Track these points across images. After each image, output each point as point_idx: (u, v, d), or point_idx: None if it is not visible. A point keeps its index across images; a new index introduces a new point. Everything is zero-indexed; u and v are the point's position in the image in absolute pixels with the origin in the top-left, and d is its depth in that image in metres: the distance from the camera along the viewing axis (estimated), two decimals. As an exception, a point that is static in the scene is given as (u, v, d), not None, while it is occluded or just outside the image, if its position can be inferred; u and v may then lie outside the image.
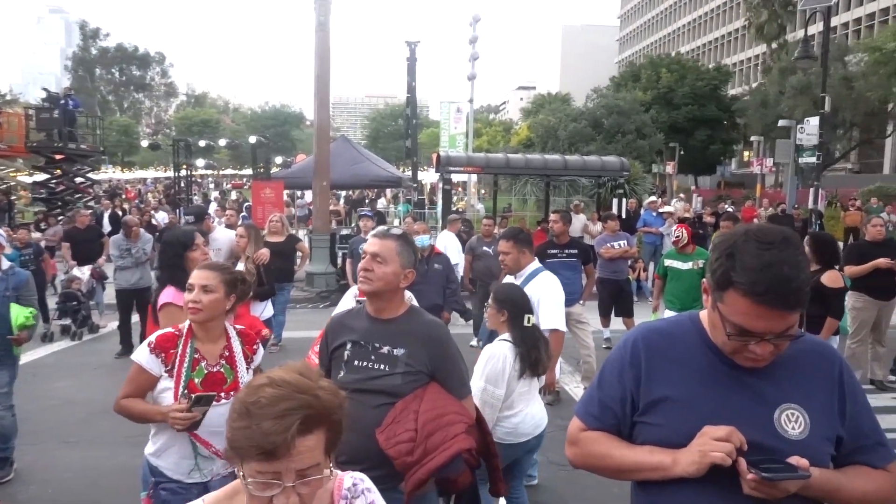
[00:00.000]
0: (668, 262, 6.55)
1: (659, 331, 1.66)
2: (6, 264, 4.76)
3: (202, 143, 19.03)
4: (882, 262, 6.39)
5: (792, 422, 1.48)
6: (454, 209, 18.64)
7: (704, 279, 1.55)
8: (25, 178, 23.78)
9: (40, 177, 22.29)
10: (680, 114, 42.74)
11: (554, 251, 6.52)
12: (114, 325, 8.63)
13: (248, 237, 5.80)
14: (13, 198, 21.58)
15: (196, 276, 2.66)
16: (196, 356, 2.62)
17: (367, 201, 25.38)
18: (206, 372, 2.61)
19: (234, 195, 28.32)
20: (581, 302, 6.63)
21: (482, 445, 2.55)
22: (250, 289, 2.99)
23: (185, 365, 2.58)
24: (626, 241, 8.25)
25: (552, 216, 7.12)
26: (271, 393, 1.20)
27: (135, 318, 8.08)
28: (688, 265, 6.37)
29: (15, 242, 8.66)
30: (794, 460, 1.41)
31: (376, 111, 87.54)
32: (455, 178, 22.46)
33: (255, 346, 2.75)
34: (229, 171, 53.00)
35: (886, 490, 1.54)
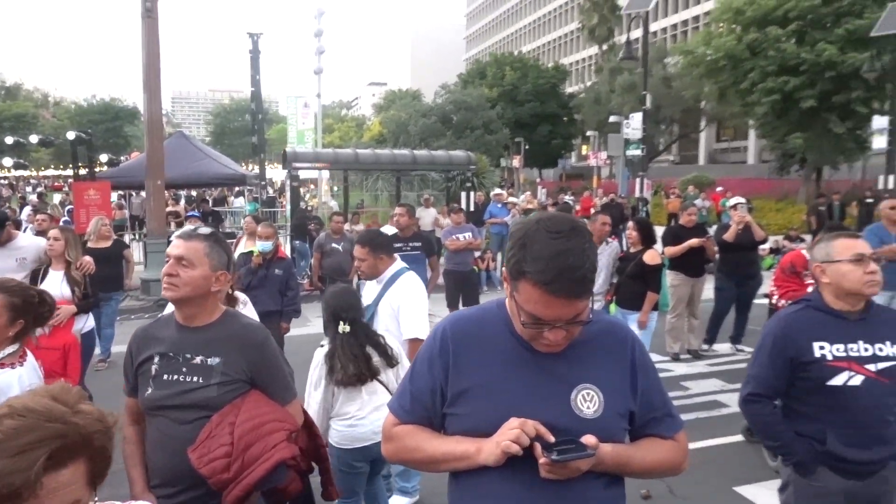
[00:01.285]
0: None
1: (467, 319, 1.68)
2: None
3: (10, 141, 16.87)
4: (693, 241, 7.09)
5: (587, 401, 1.53)
6: (304, 207, 18.18)
7: (503, 268, 1.58)
8: None
9: None
10: (524, 110, 44.87)
11: (398, 245, 6.54)
12: None
13: (66, 241, 5.21)
14: None
15: None
16: None
17: (229, 200, 24.05)
18: None
19: (56, 198, 25.65)
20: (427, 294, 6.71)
21: (312, 449, 2.47)
22: (51, 310, 2.62)
23: None
24: (470, 233, 8.46)
25: (397, 209, 7.14)
26: (11, 425, 1.04)
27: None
28: None
29: None
30: (585, 439, 1.46)
31: (220, 106, 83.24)
32: (306, 175, 21.90)
33: None
34: (50, 172, 47.90)
35: (673, 458, 1.66)
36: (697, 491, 4.26)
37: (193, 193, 23.91)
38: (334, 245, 8.45)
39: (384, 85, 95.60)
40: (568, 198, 21.26)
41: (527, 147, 42.50)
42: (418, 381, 1.66)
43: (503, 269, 1.58)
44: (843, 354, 2.42)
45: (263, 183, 18.63)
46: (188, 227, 2.51)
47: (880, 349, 2.43)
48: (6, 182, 35.26)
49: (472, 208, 14.01)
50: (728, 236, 7.21)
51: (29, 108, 62.40)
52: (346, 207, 15.11)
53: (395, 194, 16.12)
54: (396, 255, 4.19)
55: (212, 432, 2.13)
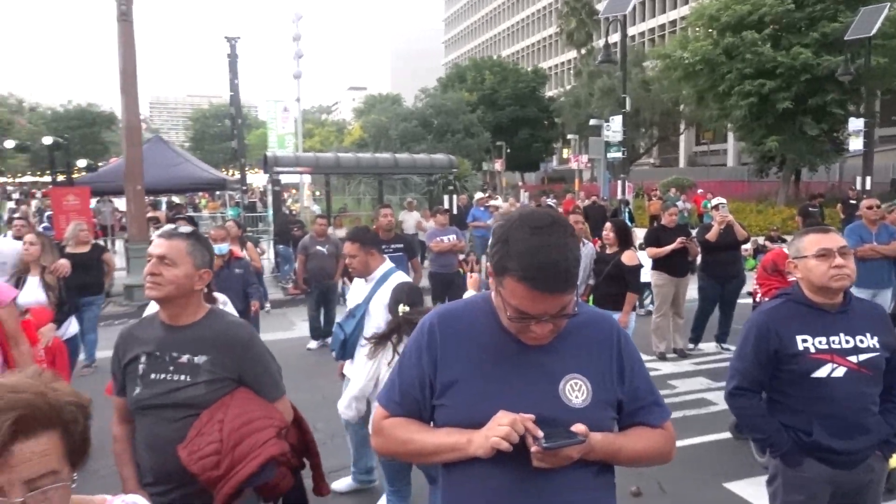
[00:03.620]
0: None
1: (454, 312, 1.69)
2: None
3: (-17, 147, 16.62)
4: (677, 243, 7.16)
5: (575, 391, 1.56)
6: (288, 211, 18.06)
7: (488, 263, 1.58)
8: None
9: None
10: (504, 114, 45.08)
11: (381, 247, 6.51)
12: None
13: (41, 246, 5.14)
14: None
15: None
16: None
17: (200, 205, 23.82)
18: None
19: (34, 204, 25.25)
20: (410, 297, 6.68)
21: (302, 446, 2.46)
22: None
23: None
24: (454, 235, 8.46)
25: (383, 210, 7.09)
26: None
27: None
28: None
29: None
30: (576, 427, 1.48)
31: (200, 111, 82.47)
32: (288, 179, 21.81)
33: None
34: (27, 178, 47.13)
35: (662, 446, 1.68)
36: (687, 487, 4.28)
37: (175, 199, 23.70)
38: (318, 247, 8.42)
39: (364, 89, 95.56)
40: (550, 200, 21.38)
41: (508, 151, 42.70)
42: (407, 374, 1.67)
43: (487, 264, 1.58)
44: (826, 347, 2.45)
45: (244, 188, 18.49)
46: (168, 226, 2.47)
47: (861, 341, 2.46)
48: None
49: (455, 211, 14.03)
50: (710, 236, 7.28)
51: (3, 114, 61.33)
52: (328, 211, 15.05)
53: (378, 198, 16.11)
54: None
55: (201, 430, 2.11)
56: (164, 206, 23.04)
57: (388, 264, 4.10)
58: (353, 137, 47.37)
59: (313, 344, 8.49)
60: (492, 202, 14.70)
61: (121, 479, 2.26)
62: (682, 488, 4.27)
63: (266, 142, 25.53)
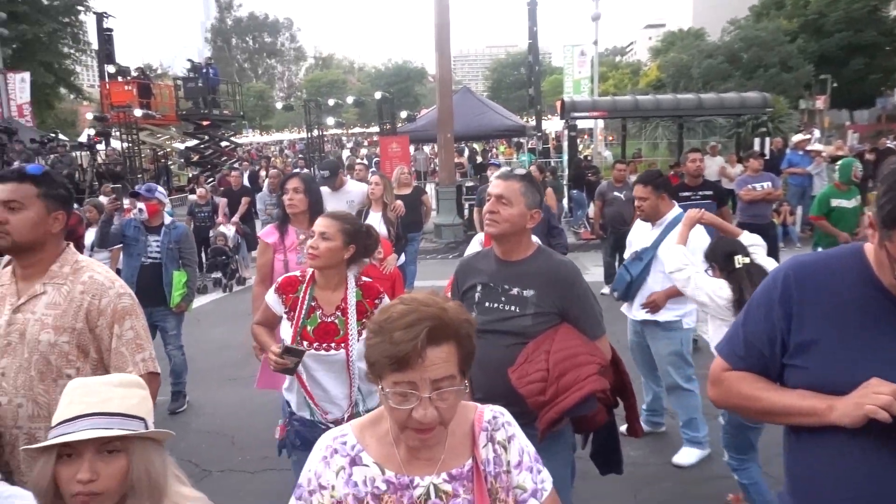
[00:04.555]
0: (834, 202, 6.38)
1: (814, 265, 1.52)
2: (168, 219, 5.29)
3: (331, 103, 19.76)
4: None
5: None
6: (581, 157, 18.14)
7: (869, 213, 1.40)
8: (178, 145, 26.05)
9: (190, 143, 24.26)
10: (831, 42, 38.43)
11: (687, 193, 6.17)
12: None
13: (384, 186, 5.97)
14: (169, 163, 23.73)
15: (316, 224, 2.69)
16: (313, 304, 2.64)
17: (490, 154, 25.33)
18: (319, 321, 2.62)
19: (363, 152, 29.35)
20: (719, 247, 6.28)
21: (618, 385, 2.54)
22: (376, 244, 2.90)
23: (303, 311, 2.62)
24: (769, 183, 7.64)
25: (693, 154, 6.69)
26: (401, 309, 1.29)
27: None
28: (852, 202, 6.34)
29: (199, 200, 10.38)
30: None
31: (497, 61, 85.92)
32: (580, 124, 21.83)
33: (376, 301, 2.65)
34: (357, 130, 54.63)
35: None
36: None
37: (475, 146, 25.40)
38: (616, 193, 8.36)
39: (662, 27, 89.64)
40: (891, 143, 17.93)
41: (834, 85, 36.62)
42: (753, 327, 1.56)
43: (869, 214, 1.40)
44: None
45: (539, 134, 18.99)
46: (504, 169, 2.72)
47: None
48: (335, 139, 41.35)
49: (767, 156, 12.62)
50: None
51: (339, 74, 71.83)
52: (623, 156, 14.73)
53: (677, 142, 15.23)
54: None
55: (528, 357, 2.31)
56: (466, 153, 24.91)
57: (677, 210, 4.01)
58: (649, 79, 45.03)
59: (606, 289, 8.52)
60: (814, 145, 12.85)
61: None
62: None
63: (559, 88, 25.74)
